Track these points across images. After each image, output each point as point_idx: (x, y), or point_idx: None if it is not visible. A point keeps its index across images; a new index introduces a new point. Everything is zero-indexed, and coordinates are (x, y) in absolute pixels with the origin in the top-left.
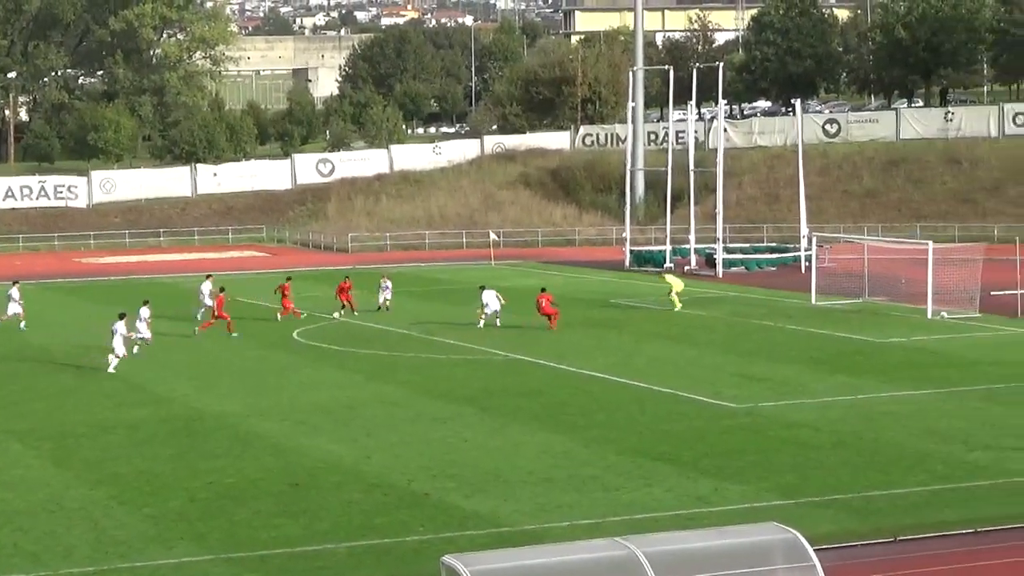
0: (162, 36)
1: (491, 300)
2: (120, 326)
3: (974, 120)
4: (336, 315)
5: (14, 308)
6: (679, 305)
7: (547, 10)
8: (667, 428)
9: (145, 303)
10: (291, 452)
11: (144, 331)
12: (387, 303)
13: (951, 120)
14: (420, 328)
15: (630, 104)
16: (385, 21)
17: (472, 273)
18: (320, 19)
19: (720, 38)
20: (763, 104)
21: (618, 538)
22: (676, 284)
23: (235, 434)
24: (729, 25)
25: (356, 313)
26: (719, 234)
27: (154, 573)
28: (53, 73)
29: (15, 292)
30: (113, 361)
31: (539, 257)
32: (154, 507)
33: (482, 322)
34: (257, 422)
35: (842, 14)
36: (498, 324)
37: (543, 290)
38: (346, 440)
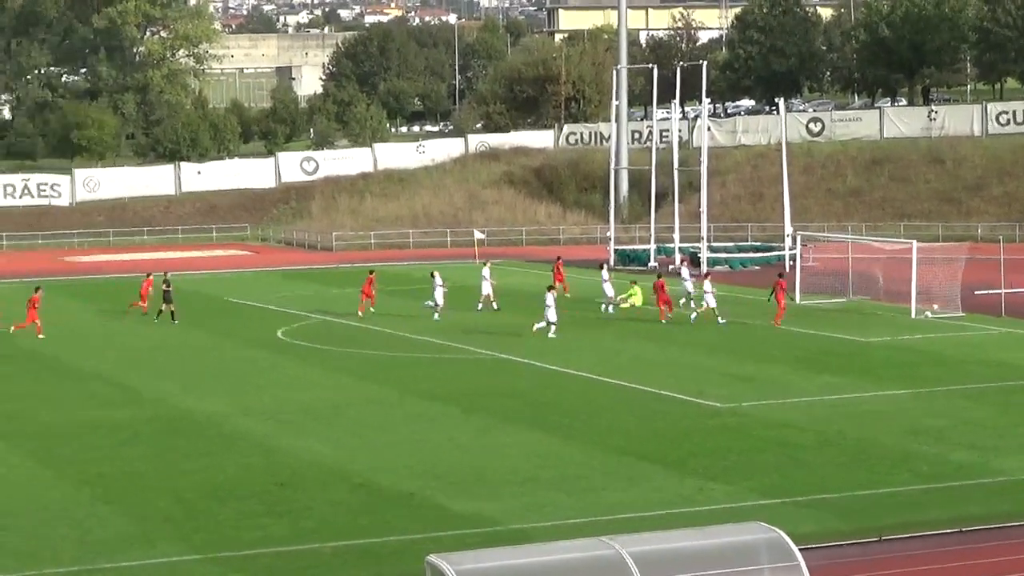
0: (145, 34)
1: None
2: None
3: (957, 119)
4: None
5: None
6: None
7: (531, 8)
8: (652, 428)
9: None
10: (276, 452)
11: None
12: (490, 299)
13: (934, 119)
14: (405, 327)
15: (614, 103)
16: (369, 19)
17: (456, 272)
18: (303, 17)
19: (704, 36)
20: (747, 103)
21: (603, 537)
22: (636, 298)
23: (220, 434)
24: (713, 23)
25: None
26: (703, 233)
27: (139, 573)
28: (36, 71)
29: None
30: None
31: (523, 256)
32: (139, 507)
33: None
34: (242, 422)
35: (826, 12)
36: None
37: (780, 276)
38: (331, 440)
